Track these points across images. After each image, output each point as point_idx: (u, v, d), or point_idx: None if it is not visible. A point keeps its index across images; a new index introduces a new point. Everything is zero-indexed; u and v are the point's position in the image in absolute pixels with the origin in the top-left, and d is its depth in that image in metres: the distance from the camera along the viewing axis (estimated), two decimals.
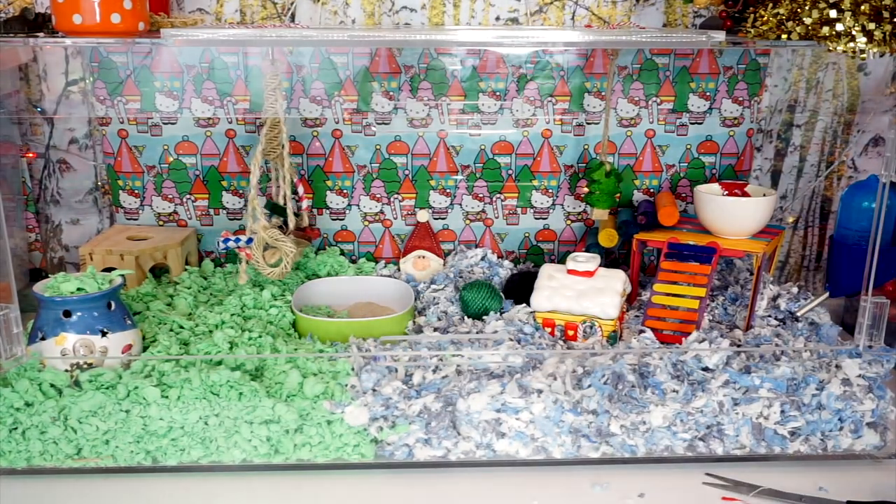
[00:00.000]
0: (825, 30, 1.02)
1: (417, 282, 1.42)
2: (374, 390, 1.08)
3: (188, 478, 1.05)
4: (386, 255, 1.54)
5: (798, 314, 1.28)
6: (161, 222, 1.51)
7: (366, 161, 1.48)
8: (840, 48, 1.01)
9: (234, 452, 1.05)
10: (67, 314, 1.10)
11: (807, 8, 1.04)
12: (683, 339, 1.19)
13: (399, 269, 1.48)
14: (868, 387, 1.09)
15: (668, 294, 1.24)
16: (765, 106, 1.50)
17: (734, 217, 1.29)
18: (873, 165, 1.57)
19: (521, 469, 1.07)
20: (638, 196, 1.52)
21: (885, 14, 0.98)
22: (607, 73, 1.43)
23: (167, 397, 1.04)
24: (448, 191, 1.51)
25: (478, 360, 1.11)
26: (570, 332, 1.23)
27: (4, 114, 1.46)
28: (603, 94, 1.45)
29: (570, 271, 1.26)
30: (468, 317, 1.29)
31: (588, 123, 1.47)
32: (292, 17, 1.46)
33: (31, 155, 1.52)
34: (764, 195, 1.32)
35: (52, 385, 1.06)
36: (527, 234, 1.55)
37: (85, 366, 1.09)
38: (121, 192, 1.49)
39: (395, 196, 1.51)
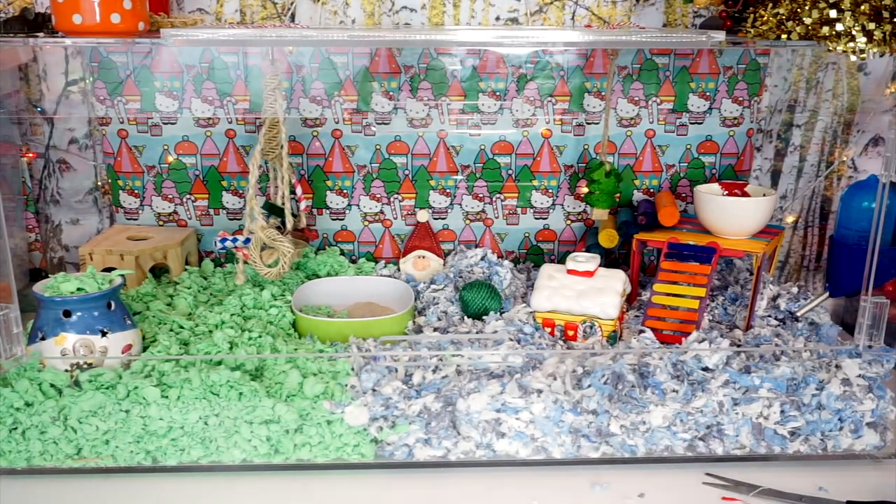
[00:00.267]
0: (825, 30, 1.02)
1: (417, 282, 1.42)
2: (373, 390, 1.08)
3: (188, 478, 1.05)
4: (386, 255, 1.54)
5: (798, 314, 1.28)
6: (161, 222, 1.51)
7: (366, 161, 1.48)
8: (840, 48, 1.01)
9: (234, 452, 1.04)
10: (67, 314, 1.10)
11: (807, 8, 1.04)
12: (683, 339, 1.19)
13: (399, 269, 1.48)
14: (868, 387, 1.09)
15: (668, 294, 1.24)
16: (765, 106, 1.50)
17: (734, 217, 1.29)
18: (873, 165, 1.57)
19: (520, 469, 1.07)
20: (638, 196, 1.52)
21: (885, 14, 0.98)
22: (607, 73, 1.43)
23: (167, 397, 1.04)
24: (448, 191, 1.51)
25: (478, 360, 1.11)
26: (570, 332, 1.23)
27: (4, 114, 1.46)
28: (603, 94, 1.45)
29: (569, 271, 1.26)
30: (468, 317, 1.29)
31: (588, 123, 1.47)
32: (292, 17, 1.46)
33: (31, 155, 1.52)
34: (764, 195, 1.32)
35: (52, 385, 1.06)
36: (527, 234, 1.54)
37: (85, 366, 1.09)
38: (121, 192, 1.49)
39: (395, 196, 1.51)
